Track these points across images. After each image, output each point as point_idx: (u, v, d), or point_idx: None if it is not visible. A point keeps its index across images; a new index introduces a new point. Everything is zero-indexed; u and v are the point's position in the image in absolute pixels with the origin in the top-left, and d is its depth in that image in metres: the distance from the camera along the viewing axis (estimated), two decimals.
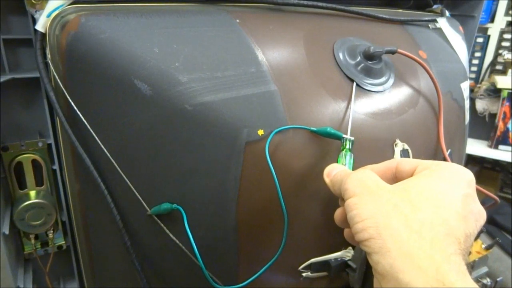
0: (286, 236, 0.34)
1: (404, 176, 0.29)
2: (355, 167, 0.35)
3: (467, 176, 0.27)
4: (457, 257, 0.23)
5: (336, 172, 0.32)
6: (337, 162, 0.36)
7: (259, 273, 0.35)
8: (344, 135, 0.37)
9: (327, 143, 0.38)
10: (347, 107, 0.40)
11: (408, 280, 0.22)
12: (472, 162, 1.52)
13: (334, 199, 0.34)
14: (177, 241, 0.36)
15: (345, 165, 0.35)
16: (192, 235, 0.34)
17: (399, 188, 0.27)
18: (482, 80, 1.37)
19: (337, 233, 0.43)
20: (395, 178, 0.30)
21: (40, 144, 0.44)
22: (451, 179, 0.27)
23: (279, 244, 0.35)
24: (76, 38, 0.32)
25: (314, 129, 0.37)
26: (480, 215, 0.26)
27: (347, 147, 0.36)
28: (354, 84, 0.42)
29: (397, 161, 0.31)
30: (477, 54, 1.36)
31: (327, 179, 0.33)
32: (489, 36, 1.33)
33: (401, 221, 0.24)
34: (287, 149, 0.36)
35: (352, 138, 0.37)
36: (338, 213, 0.32)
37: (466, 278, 0.22)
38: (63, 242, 0.49)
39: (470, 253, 0.52)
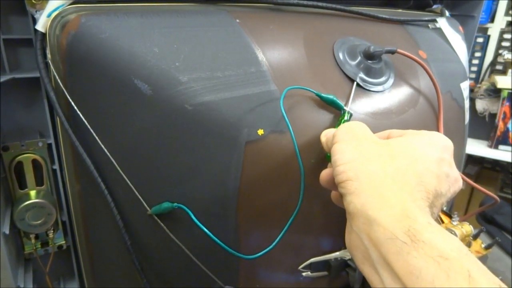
0: (303, 195, 0.35)
1: None
2: None
3: (446, 142, 0.30)
4: (423, 202, 0.25)
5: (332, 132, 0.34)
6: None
7: (281, 234, 0.35)
8: (345, 107, 0.38)
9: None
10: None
11: (376, 216, 0.24)
12: (472, 162, 1.52)
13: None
14: (177, 241, 0.36)
15: None
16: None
17: (383, 141, 0.30)
18: (482, 80, 1.37)
19: (337, 233, 0.43)
20: None
21: (40, 144, 0.44)
22: (430, 142, 0.29)
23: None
24: (76, 38, 0.32)
25: (322, 94, 0.38)
26: (455, 181, 0.29)
27: (346, 118, 0.38)
28: (354, 83, 0.42)
29: (389, 131, 0.33)
30: (477, 54, 1.36)
31: (323, 139, 0.34)
32: (489, 36, 1.33)
33: (378, 166, 0.27)
34: (285, 147, 0.36)
35: (351, 112, 0.38)
36: (325, 173, 0.33)
37: (429, 216, 0.24)
38: (63, 242, 0.49)
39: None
